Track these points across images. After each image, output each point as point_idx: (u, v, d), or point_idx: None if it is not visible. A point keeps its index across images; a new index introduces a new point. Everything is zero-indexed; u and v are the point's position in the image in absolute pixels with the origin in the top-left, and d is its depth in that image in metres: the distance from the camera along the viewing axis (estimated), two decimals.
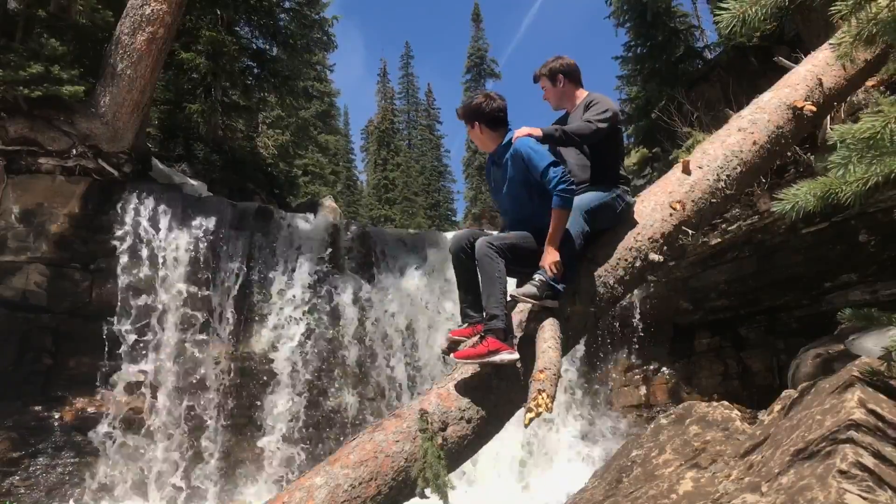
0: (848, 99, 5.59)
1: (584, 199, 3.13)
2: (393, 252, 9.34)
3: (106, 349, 7.37)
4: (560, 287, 2.85)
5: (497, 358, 2.66)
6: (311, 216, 9.49)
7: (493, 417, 2.78)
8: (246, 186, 11.88)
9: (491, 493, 7.48)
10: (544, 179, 2.88)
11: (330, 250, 8.87)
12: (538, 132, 3.06)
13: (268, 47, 13.00)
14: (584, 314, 3.02)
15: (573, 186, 2.90)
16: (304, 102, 16.38)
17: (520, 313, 3.02)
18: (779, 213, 2.71)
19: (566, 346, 2.93)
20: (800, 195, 2.60)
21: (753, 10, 2.35)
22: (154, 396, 7.43)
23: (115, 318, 7.47)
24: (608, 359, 9.03)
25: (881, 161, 2.28)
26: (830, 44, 3.92)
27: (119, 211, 7.80)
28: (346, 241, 9.08)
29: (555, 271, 2.81)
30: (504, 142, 3.11)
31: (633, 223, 3.32)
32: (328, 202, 14.25)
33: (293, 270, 8.57)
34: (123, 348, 7.44)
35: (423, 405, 2.69)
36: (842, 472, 2.47)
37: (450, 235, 10.07)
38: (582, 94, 3.50)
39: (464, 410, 2.70)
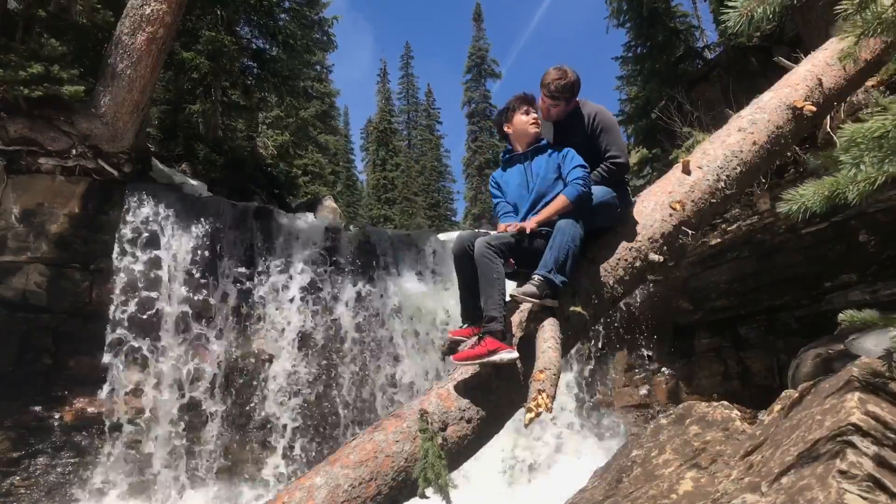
0: (848, 99, 5.59)
1: None
2: (393, 252, 9.34)
3: (106, 349, 7.38)
4: (558, 282, 2.84)
5: (496, 357, 2.66)
6: (310, 216, 9.49)
7: (492, 417, 2.78)
8: (246, 186, 11.89)
9: (490, 493, 7.48)
10: (569, 170, 3.05)
11: (329, 250, 8.87)
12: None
13: (268, 47, 13.00)
14: (584, 314, 3.02)
15: (589, 190, 3.03)
16: (304, 102, 16.39)
17: (520, 313, 3.01)
18: (784, 213, 2.68)
19: (566, 347, 2.93)
20: (806, 195, 2.57)
21: (761, 8, 2.33)
22: (154, 396, 7.43)
23: (115, 317, 7.47)
24: (608, 359, 9.03)
25: (892, 160, 2.27)
26: (839, 38, 3.92)
27: (119, 211, 7.81)
28: (346, 242, 9.09)
29: (512, 231, 2.93)
30: (541, 143, 3.24)
31: (633, 223, 3.32)
32: (328, 202, 14.27)
33: (293, 270, 8.58)
34: (123, 348, 7.44)
35: (423, 405, 2.69)
36: (842, 473, 2.47)
37: (445, 236, 10.08)
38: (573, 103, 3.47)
39: (464, 410, 2.70)
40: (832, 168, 2.49)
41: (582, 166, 3.06)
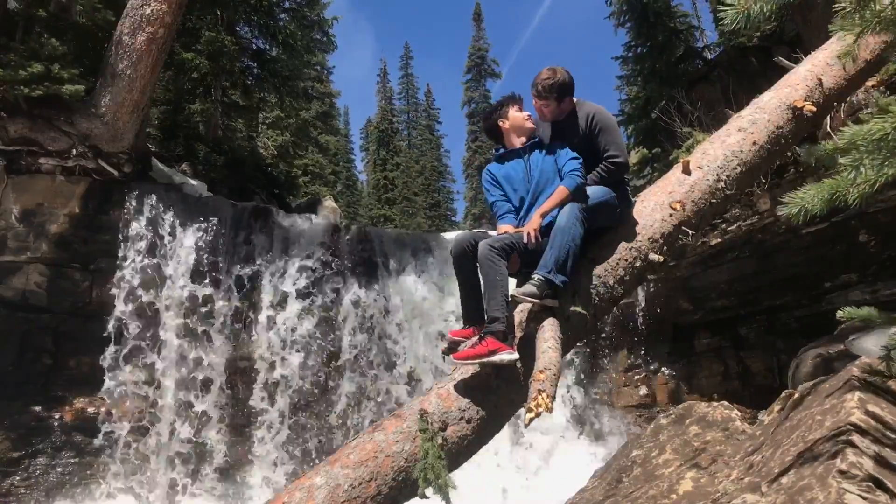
0: (848, 99, 5.59)
1: None
2: (393, 252, 9.34)
3: (106, 349, 7.38)
4: (559, 281, 2.84)
5: (496, 358, 2.65)
6: (311, 216, 9.49)
7: (492, 417, 2.78)
8: (246, 186, 11.89)
9: (489, 493, 7.47)
10: (564, 163, 3.09)
11: (330, 250, 8.87)
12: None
13: (268, 47, 13.01)
14: (584, 314, 3.01)
15: (585, 179, 3.09)
16: (304, 103, 16.41)
17: (520, 313, 3.01)
18: (785, 216, 2.68)
19: (566, 346, 2.93)
20: (807, 198, 2.56)
21: (758, 4, 2.32)
22: (154, 396, 7.43)
23: (115, 317, 7.47)
24: (608, 359, 9.03)
25: (891, 162, 2.25)
26: (839, 38, 3.91)
27: (119, 211, 7.81)
28: (346, 242, 9.08)
29: (532, 239, 2.88)
30: (534, 140, 3.27)
31: (633, 223, 3.32)
32: (328, 202, 14.27)
33: (292, 270, 8.57)
34: (123, 348, 7.44)
35: (423, 405, 2.69)
36: (842, 473, 2.46)
37: (448, 236, 10.08)
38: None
39: (464, 410, 2.70)
40: (828, 165, 2.49)
41: (575, 158, 3.12)
